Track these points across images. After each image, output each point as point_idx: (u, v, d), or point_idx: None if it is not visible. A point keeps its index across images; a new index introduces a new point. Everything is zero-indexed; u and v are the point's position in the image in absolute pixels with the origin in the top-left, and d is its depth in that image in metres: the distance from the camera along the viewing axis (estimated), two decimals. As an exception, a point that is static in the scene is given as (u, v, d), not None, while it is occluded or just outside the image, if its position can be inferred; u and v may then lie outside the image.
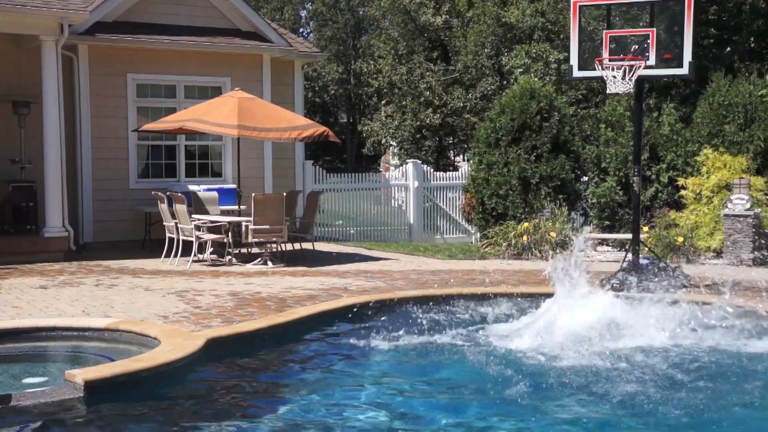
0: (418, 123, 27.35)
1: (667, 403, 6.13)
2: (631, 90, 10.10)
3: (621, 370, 6.92)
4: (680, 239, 13.61)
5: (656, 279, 9.87)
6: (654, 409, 6.00)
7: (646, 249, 12.40)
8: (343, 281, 11.37)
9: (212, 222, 13.28)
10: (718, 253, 13.91)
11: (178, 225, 12.99)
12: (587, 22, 11.43)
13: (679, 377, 6.83)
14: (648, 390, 6.42)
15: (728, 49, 22.38)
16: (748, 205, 13.35)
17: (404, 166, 20.46)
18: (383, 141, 31.13)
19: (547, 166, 15.54)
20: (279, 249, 13.90)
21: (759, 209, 13.74)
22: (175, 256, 13.06)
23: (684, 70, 10.02)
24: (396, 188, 19.97)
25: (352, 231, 18.76)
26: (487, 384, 6.71)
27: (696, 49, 12.70)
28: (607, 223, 15.92)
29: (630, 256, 10.52)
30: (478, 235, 17.13)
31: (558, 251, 14.08)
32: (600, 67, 10.07)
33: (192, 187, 15.13)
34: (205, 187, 15.35)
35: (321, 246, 15.94)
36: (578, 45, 10.49)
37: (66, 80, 14.36)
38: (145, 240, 14.99)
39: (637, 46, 10.08)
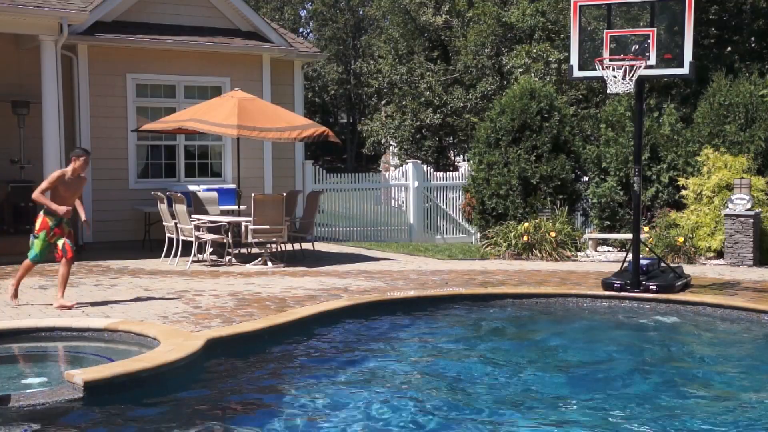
0: (418, 123, 27.33)
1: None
2: (632, 90, 10.08)
3: None
4: (681, 239, 13.59)
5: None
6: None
7: (647, 249, 12.38)
8: (343, 281, 11.35)
9: (212, 222, 13.26)
10: (719, 254, 13.89)
11: (178, 225, 12.96)
12: (587, 22, 11.41)
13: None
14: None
15: (729, 49, 22.34)
16: (749, 206, 13.33)
17: (404, 166, 20.44)
18: (383, 141, 31.10)
19: (548, 166, 15.52)
20: (279, 249, 13.88)
21: (760, 209, 13.73)
22: (175, 256, 13.04)
23: (684, 70, 9.99)
24: (396, 188, 19.95)
25: (351, 231, 18.74)
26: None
27: (696, 49, 12.68)
28: (608, 223, 15.90)
29: (630, 256, 10.50)
30: (478, 235, 17.11)
31: (558, 251, 14.08)
32: (600, 67, 10.05)
33: (192, 187, 15.12)
34: (205, 187, 15.33)
35: (321, 246, 15.93)
36: (578, 45, 10.47)
37: (65, 80, 14.34)
38: (145, 240, 14.97)
39: (637, 46, 10.06)
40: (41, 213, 9.12)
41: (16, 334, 7.86)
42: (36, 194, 9.04)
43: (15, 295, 9.27)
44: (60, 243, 9.14)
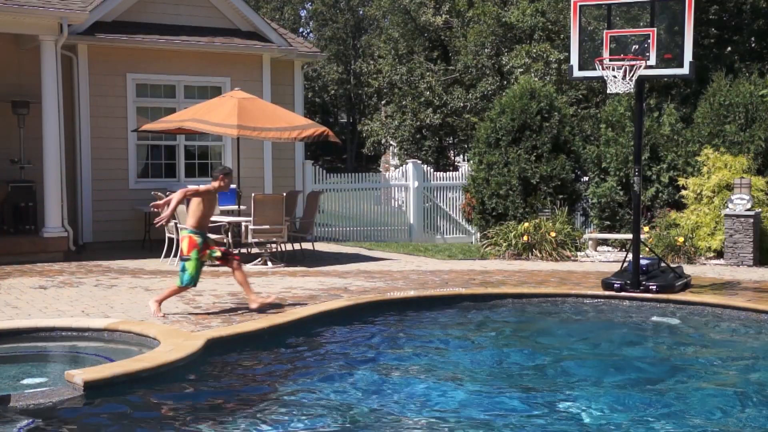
0: (418, 123, 27.33)
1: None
2: (632, 90, 10.08)
3: None
4: (681, 239, 13.59)
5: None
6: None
7: (647, 249, 12.38)
8: (343, 281, 11.35)
9: (212, 222, 13.24)
10: (719, 254, 13.89)
11: (178, 225, 12.95)
12: (587, 22, 11.41)
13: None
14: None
15: (729, 49, 22.34)
16: (749, 205, 13.33)
17: (404, 166, 20.45)
18: (383, 141, 31.12)
19: (548, 166, 15.52)
20: (279, 249, 13.88)
21: (760, 209, 13.73)
22: (175, 256, 13.03)
23: (684, 70, 9.99)
24: (396, 188, 19.95)
25: (351, 231, 18.73)
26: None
27: (696, 49, 12.67)
28: (608, 223, 15.91)
29: (630, 256, 10.49)
30: (478, 235, 17.11)
31: (558, 251, 14.08)
32: (600, 67, 10.05)
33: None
34: (205, 187, 15.30)
35: (321, 246, 15.93)
36: (578, 45, 10.47)
37: (65, 80, 14.34)
38: (145, 240, 14.96)
39: (637, 46, 10.06)
40: (185, 234, 8.78)
41: (16, 334, 7.86)
42: (180, 193, 8.85)
43: (159, 308, 8.71)
44: (218, 254, 8.91)
